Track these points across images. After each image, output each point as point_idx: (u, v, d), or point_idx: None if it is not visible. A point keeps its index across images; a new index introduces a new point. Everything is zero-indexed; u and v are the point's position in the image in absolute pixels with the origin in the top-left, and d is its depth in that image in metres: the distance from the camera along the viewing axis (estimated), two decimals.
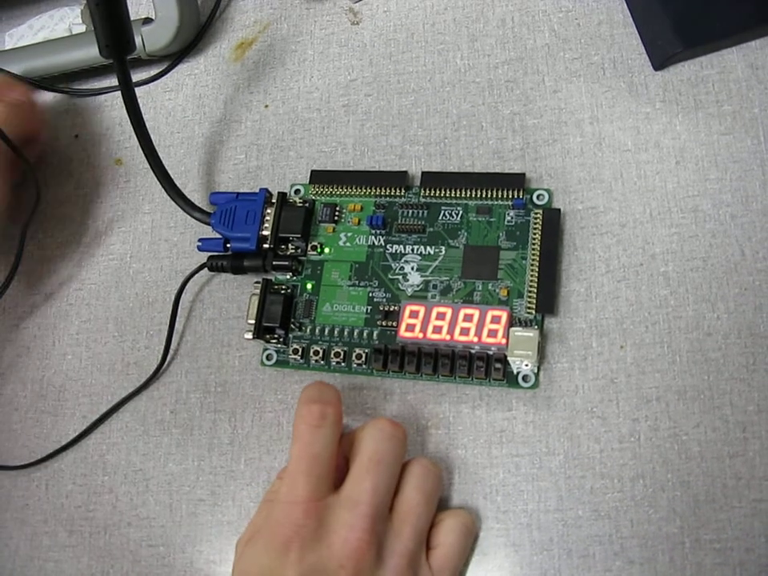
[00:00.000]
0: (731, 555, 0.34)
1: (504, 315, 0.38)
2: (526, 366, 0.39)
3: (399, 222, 0.43)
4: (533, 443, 0.39)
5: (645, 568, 0.35)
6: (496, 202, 0.42)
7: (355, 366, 0.41)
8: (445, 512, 0.38)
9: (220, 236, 0.45)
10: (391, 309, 0.41)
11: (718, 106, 0.41)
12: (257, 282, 0.43)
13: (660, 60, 0.42)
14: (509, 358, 0.38)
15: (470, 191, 0.42)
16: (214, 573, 0.42)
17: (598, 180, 0.42)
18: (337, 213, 0.44)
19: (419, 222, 0.43)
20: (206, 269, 0.45)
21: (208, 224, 0.45)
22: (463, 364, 0.39)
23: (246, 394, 0.44)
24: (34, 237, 0.52)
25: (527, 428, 0.39)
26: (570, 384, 0.39)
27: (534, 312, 0.39)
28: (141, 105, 0.45)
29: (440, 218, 0.42)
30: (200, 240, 0.46)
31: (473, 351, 0.39)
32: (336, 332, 0.42)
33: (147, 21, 0.51)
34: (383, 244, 0.43)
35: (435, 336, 0.39)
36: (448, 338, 0.39)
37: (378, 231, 0.43)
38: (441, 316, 0.39)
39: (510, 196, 0.41)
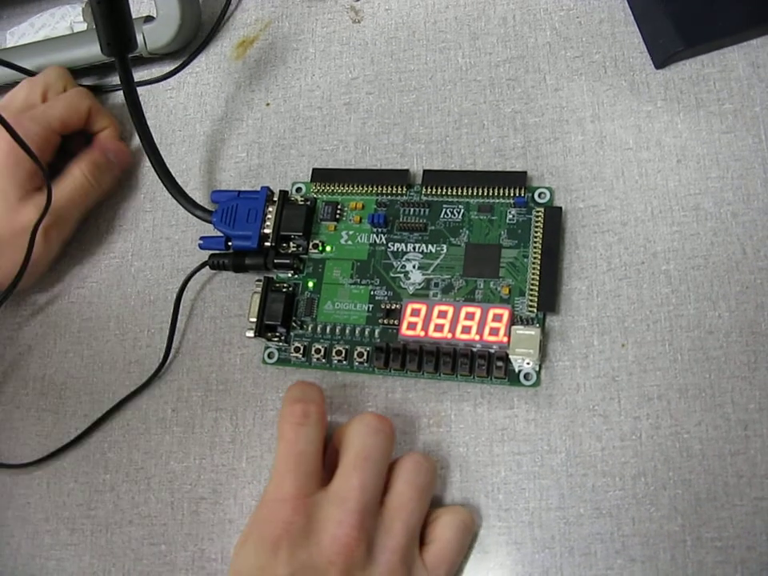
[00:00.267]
0: (732, 553, 0.35)
1: (505, 313, 0.38)
2: (528, 364, 0.39)
3: (401, 220, 0.43)
4: (534, 441, 0.39)
5: (646, 566, 0.35)
6: (497, 200, 0.42)
7: (357, 364, 0.41)
8: (442, 508, 0.38)
9: (221, 234, 0.45)
10: (393, 307, 0.41)
11: (720, 104, 0.41)
12: (258, 281, 0.43)
13: (661, 58, 0.42)
14: (510, 356, 0.38)
15: (472, 189, 0.42)
16: (216, 571, 0.42)
17: (600, 178, 0.42)
18: (338, 211, 0.44)
19: (421, 221, 0.43)
20: (207, 267, 0.45)
21: (209, 222, 0.45)
22: (465, 362, 0.39)
23: (248, 392, 0.44)
24: None
25: (529, 426, 0.39)
26: (572, 382, 0.39)
27: (535, 310, 0.39)
28: (142, 103, 0.45)
29: (441, 216, 0.42)
30: (201, 238, 0.46)
31: (474, 349, 0.39)
32: (337, 330, 0.42)
33: (149, 19, 0.51)
34: (385, 242, 0.43)
35: (437, 334, 0.39)
36: (449, 336, 0.39)
37: (380, 229, 0.43)
38: (442, 314, 0.39)
39: (512, 194, 0.41)
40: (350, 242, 0.44)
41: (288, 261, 0.43)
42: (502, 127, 0.44)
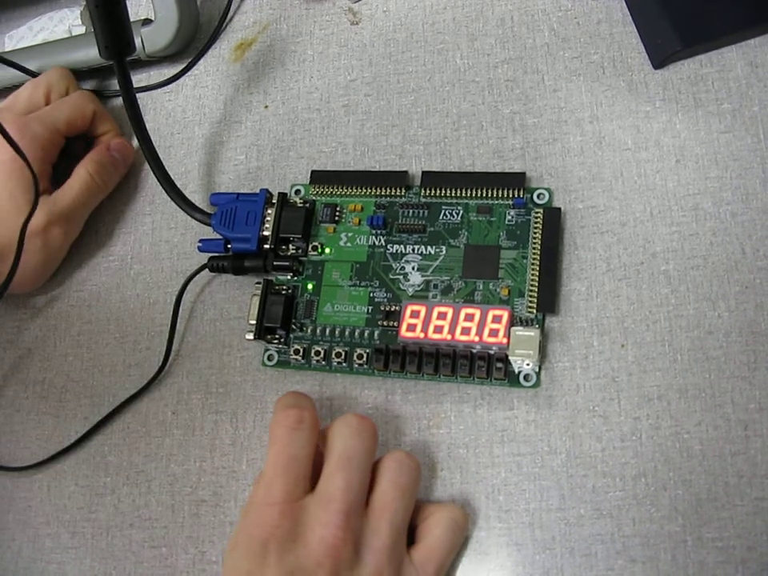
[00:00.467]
0: (733, 553, 0.34)
1: (505, 314, 0.38)
2: (528, 365, 0.39)
3: (400, 221, 0.43)
4: (534, 442, 0.39)
5: (647, 567, 0.35)
6: (496, 202, 0.42)
7: (356, 366, 0.41)
8: (434, 505, 0.38)
9: (221, 237, 0.45)
10: (392, 309, 0.41)
11: (718, 104, 0.41)
12: (258, 283, 0.43)
13: (659, 58, 0.42)
14: (510, 358, 0.38)
15: (471, 191, 0.42)
16: (216, 573, 0.42)
17: (599, 179, 0.42)
18: (337, 213, 0.44)
19: (420, 222, 0.43)
20: (206, 270, 0.45)
21: (209, 225, 0.45)
22: (464, 363, 0.39)
23: (248, 395, 0.44)
24: None
25: (529, 427, 0.39)
26: (572, 383, 0.39)
27: (535, 311, 0.39)
28: (141, 106, 0.45)
29: (440, 217, 0.42)
30: (201, 241, 0.46)
31: (474, 351, 0.39)
32: (337, 332, 0.42)
33: (147, 22, 0.51)
34: (384, 244, 0.43)
35: (436, 336, 0.39)
36: (449, 337, 0.39)
37: (379, 231, 0.43)
38: (442, 316, 0.39)
39: (511, 195, 0.41)
40: (349, 244, 0.44)
41: (287, 263, 0.43)
42: (500, 128, 0.44)
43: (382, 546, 0.35)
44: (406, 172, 0.44)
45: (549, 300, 0.39)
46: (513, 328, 0.38)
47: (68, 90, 0.51)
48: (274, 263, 0.44)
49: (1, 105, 0.51)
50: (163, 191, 0.46)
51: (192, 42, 0.54)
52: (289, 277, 0.44)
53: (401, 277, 0.42)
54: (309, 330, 0.43)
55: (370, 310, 0.42)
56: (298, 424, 0.37)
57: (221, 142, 0.50)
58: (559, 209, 0.41)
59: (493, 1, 0.47)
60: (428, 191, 0.43)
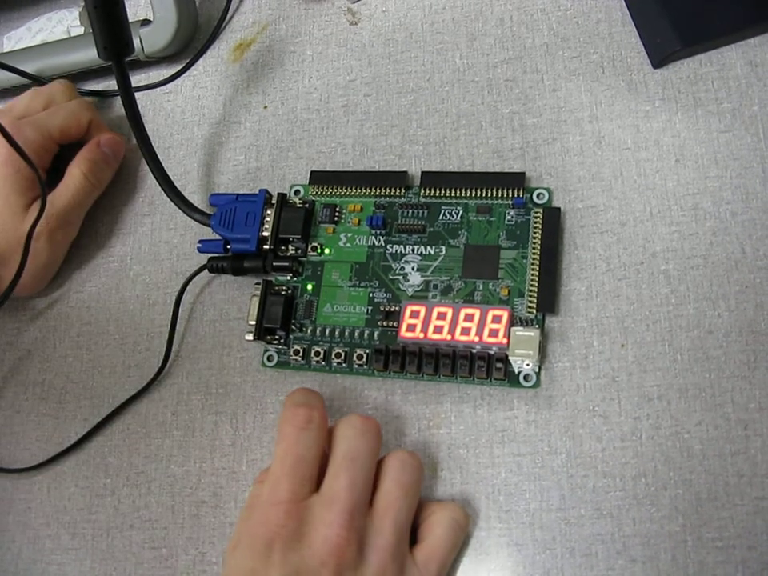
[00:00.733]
0: (733, 553, 0.34)
1: (505, 315, 0.38)
2: (528, 365, 0.39)
3: (399, 222, 0.43)
4: (534, 442, 0.39)
5: (647, 566, 0.35)
6: (496, 202, 0.42)
7: (356, 366, 0.41)
8: (436, 504, 0.38)
9: (220, 237, 0.45)
10: (392, 309, 0.41)
11: (718, 103, 0.41)
12: (257, 284, 0.43)
13: (659, 58, 0.42)
14: (510, 358, 0.38)
15: (470, 191, 0.42)
16: (216, 574, 0.42)
17: (598, 178, 0.42)
18: (337, 213, 0.44)
19: (419, 222, 0.43)
20: (206, 270, 0.45)
21: (208, 225, 0.45)
22: (464, 364, 0.39)
23: (248, 396, 0.44)
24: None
25: (529, 427, 0.39)
26: (572, 383, 0.39)
27: (534, 311, 0.39)
28: (140, 107, 0.45)
29: (440, 217, 0.42)
30: (200, 241, 0.46)
31: (474, 351, 0.39)
32: (337, 333, 0.42)
33: (145, 22, 0.51)
34: (383, 244, 0.43)
35: (436, 336, 0.39)
36: (449, 337, 0.39)
37: (378, 231, 0.43)
38: (441, 316, 0.39)
39: (510, 195, 0.41)
40: (348, 245, 0.44)
41: (287, 263, 0.43)
42: (500, 128, 0.44)
43: (386, 545, 0.35)
44: (405, 172, 0.44)
45: (549, 300, 0.39)
46: (513, 328, 0.38)
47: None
48: (274, 264, 0.44)
49: None
50: (162, 192, 0.46)
51: (191, 43, 0.54)
52: (288, 277, 0.44)
53: (400, 277, 0.42)
54: (308, 331, 0.43)
55: (369, 311, 0.42)
56: (307, 423, 0.37)
57: (220, 143, 0.50)
58: (559, 208, 0.41)
59: (492, 1, 0.47)
60: (427, 191, 0.43)
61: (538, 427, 0.39)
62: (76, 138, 0.50)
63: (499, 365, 0.38)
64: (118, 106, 0.54)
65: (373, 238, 0.43)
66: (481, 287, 0.41)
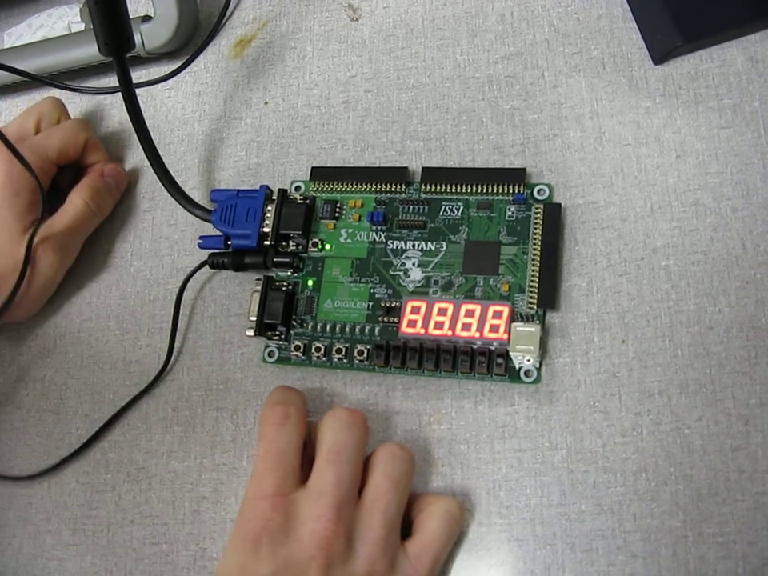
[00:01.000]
0: (734, 548, 0.35)
1: (505, 310, 0.38)
2: (528, 361, 0.39)
3: (400, 217, 0.43)
4: (535, 438, 0.39)
5: (648, 562, 0.35)
6: (497, 197, 0.42)
7: (357, 362, 0.41)
8: (430, 497, 0.38)
9: (221, 233, 0.45)
10: (393, 305, 0.41)
11: (718, 99, 0.41)
12: (258, 279, 0.43)
13: (660, 54, 0.42)
14: (510, 353, 0.38)
15: (471, 186, 0.42)
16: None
17: (599, 174, 0.42)
18: (337, 209, 0.44)
19: (420, 218, 0.43)
20: (207, 266, 0.45)
21: (209, 221, 0.45)
22: (465, 359, 0.39)
23: (248, 391, 0.44)
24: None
25: (529, 423, 0.39)
26: (572, 379, 0.39)
27: (535, 307, 0.39)
28: (140, 103, 0.45)
29: (441, 213, 0.42)
30: (201, 237, 0.46)
31: (474, 346, 0.39)
32: (337, 328, 0.42)
33: (146, 18, 0.51)
34: (384, 240, 0.43)
35: (437, 332, 0.39)
36: (450, 333, 0.39)
37: (379, 227, 0.43)
38: (442, 312, 0.39)
39: (511, 191, 0.41)
40: (349, 240, 0.44)
41: (287, 259, 0.43)
42: (500, 124, 0.44)
43: (376, 538, 0.35)
44: (406, 168, 0.44)
45: (549, 296, 0.39)
46: (513, 324, 0.38)
47: (59, 119, 0.51)
48: (275, 260, 0.44)
49: None
50: (163, 188, 0.46)
51: (191, 39, 0.54)
52: (289, 273, 0.44)
53: (401, 273, 0.42)
54: (309, 327, 0.43)
55: (370, 306, 0.42)
56: (284, 420, 0.38)
57: (220, 139, 0.50)
58: (559, 204, 0.41)
59: None
60: (428, 187, 0.43)
61: (538, 423, 0.39)
62: (73, 159, 0.50)
63: (500, 360, 0.38)
64: (118, 103, 0.54)
65: (373, 233, 0.43)
66: (481, 283, 0.41)
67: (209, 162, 0.50)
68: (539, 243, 0.40)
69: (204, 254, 0.46)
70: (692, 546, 0.35)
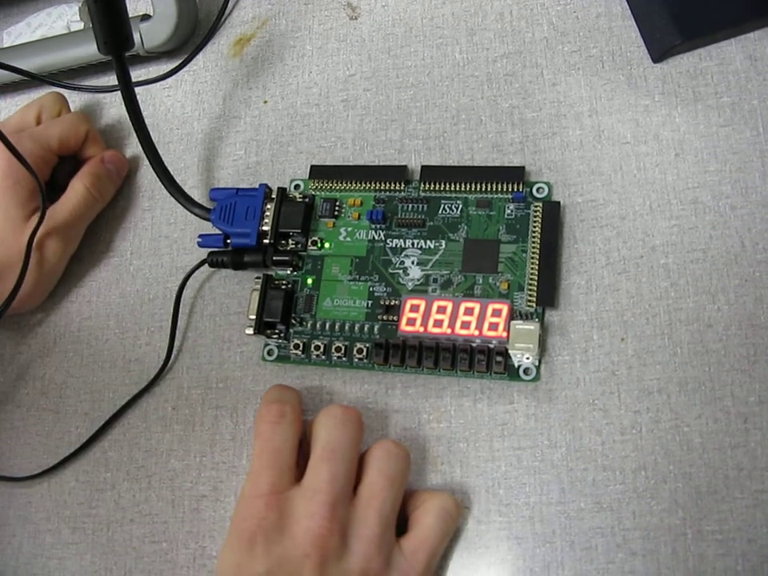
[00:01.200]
0: (733, 546, 0.35)
1: (505, 308, 0.39)
2: (527, 358, 0.39)
3: (399, 216, 0.43)
4: (534, 436, 0.39)
5: (647, 559, 0.35)
6: (496, 196, 0.42)
7: (356, 360, 0.41)
8: (426, 494, 0.38)
9: (220, 232, 0.45)
10: (392, 303, 0.41)
11: (717, 97, 0.41)
12: (257, 278, 0.43)
13: (659, 52, 0.42)
14: (510, 351, 0.38)
15: (470, 185, 0.42)
16: None
17: (598, 173, 0.42)
18: (337, 208, 0.44)
19: (419, 216, 0.43)
20: (206, 265, 0.45)
21: (208, 220, 0.45)
22: (464, 357, 0.39)
23: (248, 390, 0.44)
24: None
25: (529, 421, 0.39)
26: (572, 377, 0.39)
27: (534, 305, 0.39)
28: (140, 101, 0.45)
29: (440, 211, 0.42)
30: (200, 236, 0.46)
31: (474, 345, 0.39)
32: (337, 327, 0.42)
33: (145, 17, 0.51)
34: (383, 238, 0.43)
35: (436, 330, 0.39)
36: (449, 331, 0.39)
37: (378, 226, 0.43)
38: (441, 310, 0.39)
39: (510, 189, 0.41)
40: (348, 239, 0.44)
41: (287, 258, 0.43)
42: (499, 122, 0.44)
43: (371, 535, 0.35)
44: (405, 166, 0.44)
45: (548, 294, 0.39)
46: (512, 322, 0.38)
47: (60, 113, 0.51)
48: (274, 258, 0.44)
49: None
50: (162, 187, 0.46)
51: (191, 38, 0.54)
52: (288, 272, 0.44)
53: (400, 271, 0.42)
54: (308, 325, 0.43)
55: (369, 305, 0.42)
56: (280, 418, 0.38)
57: (220, 138, 0.50)
58: (558, 202, 0.41)
59: None
60: (427, 185, 0.43)
61: (537, 421, 0.39)
62: (74, 150, 0.50)
63: (499, 358, 0.39)
64: (118, 101, 0.54)
65: (373, 232, 0.43)
66: (480, 281, 0.41)
67: (208, 161, 0.50)
68: (538, 241, 0.40)
69: (203, 253, 0.46)
70: (691, 543, 0.35)
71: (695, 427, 0.36)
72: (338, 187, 0.45)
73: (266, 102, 0.50)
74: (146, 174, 0.51)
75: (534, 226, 0.40)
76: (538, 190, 0.41)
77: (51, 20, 0.57)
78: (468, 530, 0.38)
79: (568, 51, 0.44)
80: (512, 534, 0.37)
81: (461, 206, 0.42)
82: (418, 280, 0.42)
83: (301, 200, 0.44)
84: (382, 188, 0.44)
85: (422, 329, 0.39)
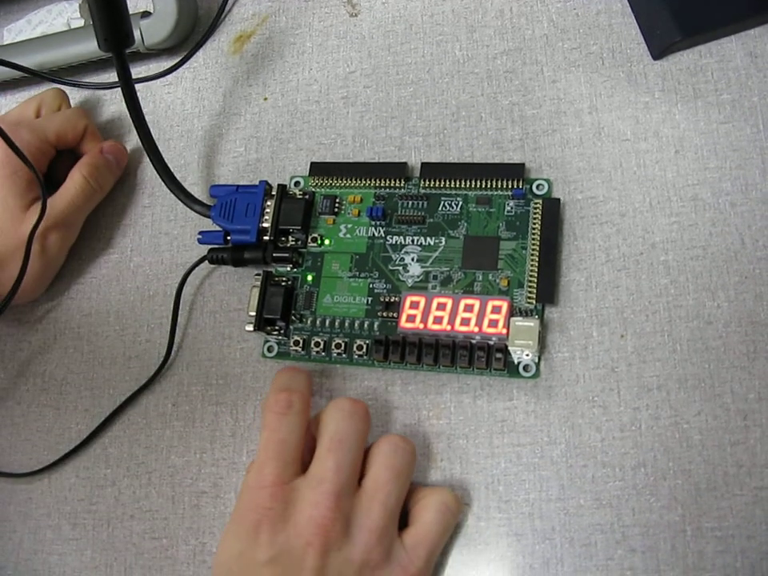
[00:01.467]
0: (732, 543, 0.35)
1: (504, 305, 0.39)
2: (527, 355, 0.39)
3: (399, 213, 0.43)
4: (534, 433, 0.39)
5: (646, 556, 0.35)
6: (496, 193, 0.42)
7: (356, 357, 0.41)
8: (426, 489, 0.38)
9: (220, 229, 0.45)
10: (392, 300, 0.41)
11: (717, 94, 0.41)
12: (257, 275, 0.43)
13: (659, 49, 0.42)
14: (509, 348, 0.38)
15: (470, 182, 0.42)
16: None
17: (598, 170, 0.42)
18: (337, 204, 0.44)
19: (419, 213, 0.43)
20: (206, 261, 0.45)
21: (208, 217, 0.45)
22: (464, 354, 0.39)
23: (248, 386, 0.44)
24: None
25: (528, 417, 0.39)
26: (571, 373, 0.39)
27: (534, 302, 0.39)
28: (140, 98, 0.45)
29: (440, 208, 0.42)
30: (200, 233, 0.46)
31: (473, 341, 0.39)
32: (337, 323, 0.42)
33: (146, 14, 0.51)
34: (383, 235, 0.43)
35: (436, 326, 0.39)
36: (449, 328, 0.39)
37: (378, 222, 0.43)
38: (441, 306, 0.39)
39: (510, 186, 0.41)
40: (348, 236, 0.44)
41: (287, 255, 0.43)
42: (499, 119, 0.44)
43: (373, 526, 0.35)
44: (405, 163, 0.44)
45: (548, 290, 0.39)
46: (512, 318, 0.38)
47: (60, 107, 0.52)
48: (274, 255, 0.44)
49: None
50: (162, 183, 0.46)
51: (191, 35, 0.54)
52: (288, 268, 0.44)
53: (400, 268, 0.42)
54: (308, 322, 0.43)
55: (369, 301, 0.42)
56: (287, 409, 0.38)
57: (220, 134, 0.50)
58: (558, 199, 0.41)
59: None
60: (427, 182, 0.43)
61: (537, 417, 0.39)
62: (72, 144, 0.50)
63: (499, 355, 0.39)
64: (118, 98, 0.54)
65: (373, 229, 0.43)
66: (480, 278, 0.41)
67: (208, 158, 0.50)
68: (538, 238, 0.40)
69: (203, 250, 0.46)
70: (690, 540, 0.35)
71: (695, 424, 0.36)
72: (338, 184, 0.45)
73: (266, 98, 0.50)
74: (146, 171, 0.51)
75: (534, 223, 0.40)
76: (537, 186, 0.41)
77: (51, 17, 0.57)
78: (467, 527, 0.38)
79: (568, 48, 0.44)
80: (511, 531, 0.38)
81: (461, 202, 0.42)
82: (418, 277, 0.42)
83: (301, 197, 0.44)
84: (381, 185, 0.44)
85: (421, 325, 0.39)
